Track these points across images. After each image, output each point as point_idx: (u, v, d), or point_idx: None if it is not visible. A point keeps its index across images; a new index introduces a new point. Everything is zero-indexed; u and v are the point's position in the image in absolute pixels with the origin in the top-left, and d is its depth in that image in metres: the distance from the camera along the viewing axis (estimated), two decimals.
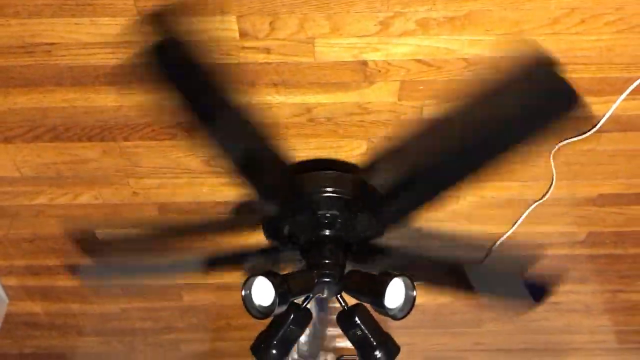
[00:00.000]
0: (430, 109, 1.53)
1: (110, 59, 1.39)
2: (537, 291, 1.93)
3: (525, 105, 1.25)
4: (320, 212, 1.58)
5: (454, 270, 1.85)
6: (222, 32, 1.34)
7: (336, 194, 1.56)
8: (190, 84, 1.24)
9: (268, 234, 1.69)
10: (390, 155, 1.66)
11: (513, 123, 1.26)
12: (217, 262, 1.98)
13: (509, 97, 1.34)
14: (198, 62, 1.27)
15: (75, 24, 1.31)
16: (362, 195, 1.61)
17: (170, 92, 1.29)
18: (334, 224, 1.60)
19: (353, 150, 1.66)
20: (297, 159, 1.69)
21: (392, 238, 1.68)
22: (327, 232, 1.60)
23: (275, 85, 1.47)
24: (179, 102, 1.29)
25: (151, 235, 1.98)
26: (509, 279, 1.85)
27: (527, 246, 2.06)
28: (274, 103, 1.51)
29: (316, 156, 1.68)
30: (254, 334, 1.56)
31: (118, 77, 1.44)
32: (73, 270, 2.18)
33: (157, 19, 1.30)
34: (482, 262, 2.05)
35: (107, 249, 2.06)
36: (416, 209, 1.54)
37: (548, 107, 1.20)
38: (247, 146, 1.41)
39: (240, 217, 1.88)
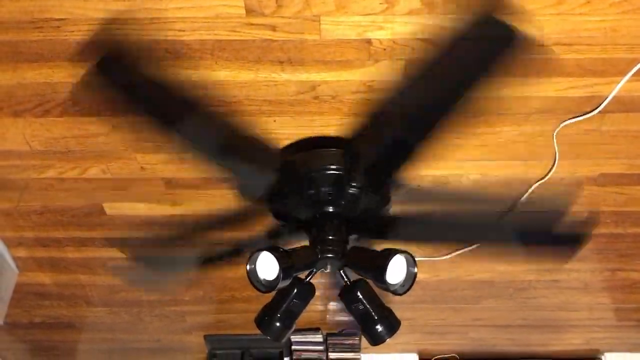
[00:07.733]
0: None
1: (118, 35, 1.40)
2: (571, 240, 1.89)
3: (474, 50, 1.32)
4: (315, 190, 1.61)
5: (480, 225, 1.82)
6: (228, 8, 1.35)
7: (329, 170, 1.60)
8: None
9: (272, 212, 1.73)
10: (368, 121, 1.66)
11: (468, 67, 1.32)
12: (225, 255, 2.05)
13: (461, 47, 1.39)
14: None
15: (84, 0, 1.32)
16: (354, 167, 1.63)
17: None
18: (333, 200, 1.62)
19: (358, 128, 1.67)
20: (297, 138, 1.71)
21: (398, 208, 1.70)
22: (328, 209, 1.63)
23: (280, 62, 1.48)
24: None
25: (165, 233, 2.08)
26: (539, 229, 1.80)
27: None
28: (280, 81, 1.53)
29: (322, 134, 1.70)
30: (259, 306, 1.60)
31: None
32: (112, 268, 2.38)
33: None
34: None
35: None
36: (404, 162, 1.55)
37: (493, 48, 1.27)
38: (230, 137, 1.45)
39: (243, 196, 1.91)
